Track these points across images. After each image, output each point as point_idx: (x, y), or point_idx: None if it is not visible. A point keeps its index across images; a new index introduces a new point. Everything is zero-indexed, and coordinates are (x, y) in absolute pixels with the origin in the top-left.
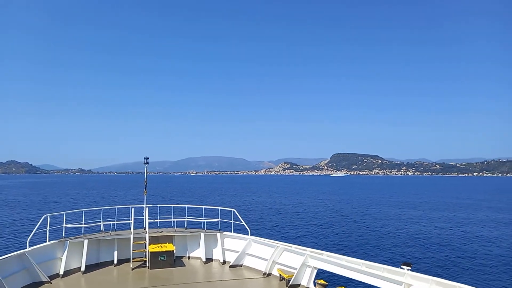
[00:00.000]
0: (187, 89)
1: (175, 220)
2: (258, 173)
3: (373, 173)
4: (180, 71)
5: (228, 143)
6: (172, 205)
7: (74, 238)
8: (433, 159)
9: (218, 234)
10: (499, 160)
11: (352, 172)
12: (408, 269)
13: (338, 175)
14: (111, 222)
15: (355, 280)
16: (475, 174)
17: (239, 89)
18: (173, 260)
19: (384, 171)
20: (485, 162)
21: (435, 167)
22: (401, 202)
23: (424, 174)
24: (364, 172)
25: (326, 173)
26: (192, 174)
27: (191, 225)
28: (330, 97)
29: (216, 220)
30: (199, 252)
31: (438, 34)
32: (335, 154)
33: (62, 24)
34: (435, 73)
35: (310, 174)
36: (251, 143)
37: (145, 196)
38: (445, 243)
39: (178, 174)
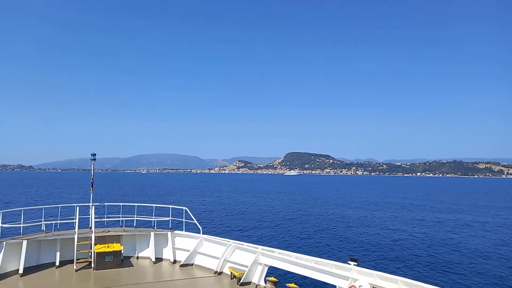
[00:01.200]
0: (138, 86)
1: (124, 219)
2: (212, 171)
3: (324, 172)
4: (130, 68)
5: (182, 140)
6: (121, 204)
7: (11, 238)
8: (380, 159)
9: (169, 233)
10: (440, 161)
11: (305, 171)
12: (354, 265)
13: (291, 174)
14: (53, 222)
15: (305, 276)
16: (418, 174)
17: (193, 86)
18: (121, 261)
19: (335, 170)
20: (427, 163)
21: (382, 167)
22: (350, 201)
23: (372, 173)
24: (316, 171)
25: (280, 172)
26: (143, 172)
27: (141, 224)
28: (283, 96)
29: (167, 218)
30: (149, 252)
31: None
32: (288, 153)
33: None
34: (382, 74)
35: (264, 172)
36: (205, 141)
37: (91, 194)
38: (389, 239)
39: (128, 171)
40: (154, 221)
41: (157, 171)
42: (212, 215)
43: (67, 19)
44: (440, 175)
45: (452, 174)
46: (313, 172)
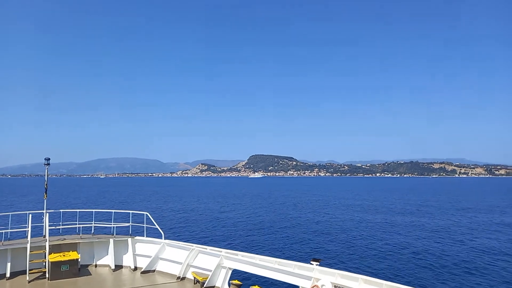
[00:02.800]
0: (95, 87)
1: (81, 226)
2: (174, 175)
3: (288, 174)
4: (84, 69)
5: (142, 144)
6: (77, 210)
7: None
8: (341, 161)
9: (129, 239)
10: (398, 162)
11: (269, 174)
12: (317, 265)
13: (256, 176)
14: (3, 231)
15: (268, 278)
16: (377, 174)
17: (152, 86)
18: (78, 270)
19: (299, 172)
20: (386, 164)
21: (343, 168)
22: (312, 202)
23: (334, 174)
24: (280, 173)
25: (244, 174)
26: (101, 177)
27: (99, 231)
28: (246, 98)
29: (127, 224)
30: (108, 259)
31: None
32: (252, 155)
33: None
34: (342, 76)
35: (228, 175)
36: (167, 144)
37: (45, 200)
38: (350, 239)
39: (85, 176)
40: (113, 227)
41: (116, 175)
42: (175, 220)
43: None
44: (398, 175)
45: (409, 174)
46: (277, 174)
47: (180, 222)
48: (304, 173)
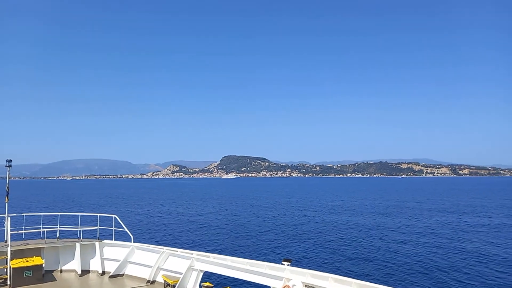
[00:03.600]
0: (61, 82)
1: (45, 230)
2: (145, 176)
3: (261, 175)
4: (58, 63)
5: (111, 144)
6: (41, 214)
7: None
8: (312, 161)
9: (97, 243)
10: (367, 162)
11: (242, 174)
12: (288, 265)
13: (229, 177)
14: None
15: (240, 280)
16: (348, 175)
17: (121, 85)
18: (42, 275)
19: (271, 173)
20: (356, 164)
21: (315, 169)
22: (284, 202)
23: (306, 175)
24: (252, 174)
25: (217, 175)
26: (68, 179)
27: (65, 235)
28: (218, 100)
29: (94, 228)
30: (74, 264)
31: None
32: (225, 156)
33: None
34: (309, 79)
35: (200, 177)
36: (137, 145)
37: (6, 204)
38: (320, 239)
39: (50, 178)
40: (80, 230)
41: (84, 177)
42: (145, 223)
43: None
44: (368, 175)
45: (379, 174)
46: (250, 175)
47: (150, 225)
48: (277, 173)
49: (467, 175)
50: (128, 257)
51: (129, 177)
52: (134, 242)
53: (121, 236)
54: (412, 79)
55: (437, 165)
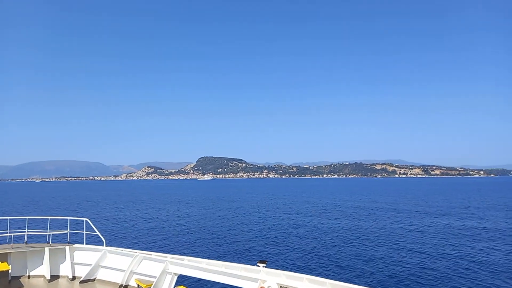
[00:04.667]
0: (28, 85)
1: (12, 234)
2: (118, 178)
3: (238, 176)
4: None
5: (82, 145)
6: (8, 218)
7: None
8: (288, 162)
9: (67, 247)
10: (343, 163)
11: (218, 176)
12: (263, 266)
13: (205, 179)
14: None
15: (215, 282)
16: (324, 175)
17: (95, 84)
18: (8, 281)
19: (248, 174)
20: (332, 165)
21: (292, 170)
22: (259, 204)
23: (283, 176)
24: (229, 175)
25: (193, 177)
26: (37, 181)
27: (34, 239)
28: (192, 99)
29: (65, 231)
30: (43, 269)
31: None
32: (201, 157)
33: None
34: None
35: (176, 178)
36: (109, 146)
37: None
38: (295, 240)
39: (18, 181)
40: (49, 235)
41: (54, 179)
42: (118, 226)
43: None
44: (344, 176)
45: (354, 175)
46: (227, 176)
47: (123, 228)
48: (254, 174)
49: (439, 176)
50: (100, 261)
51: (102, 179)
52: (106, 246)
53: (93, 240)
54: (383, 81)
55: (410, 166)
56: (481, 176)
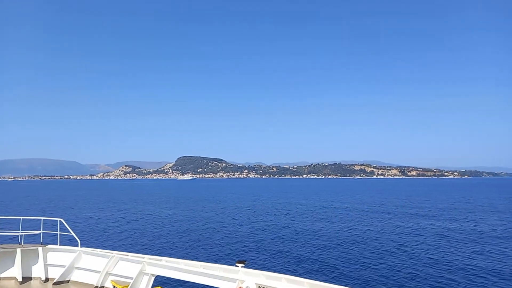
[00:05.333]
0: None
1: None
2: (95, 177)
3: (218, 176)
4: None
5: (57, 143)
6: None
7: None
8: (268, 162)
9: (40, 248)
10: (322, 163)
11: (198, 175)
12: (242, 266)
13: (185, 178)
14: None
15: (193, 283)
16: (304, 176)
17: (68, 83)
18: None
19: (228, 174)
20: (311, 165)
21: (272, 170)
22: (239, 203)
23: (263, 176)
24: (209, 175)
25: (172, 176)
26: (9, 180)
27: (4, 240)
28: (172, 98)
29: (38, 232)
30: (14, 271)
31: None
32: (180, 157)
33: None
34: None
35: (155, 177)
36: (85, 144)
37: None
38: (275, 240)
39: None
40: (21, 235)
41: (27, 178)
42: (93, 226)
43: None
44: (323, 176)
45: (333, 176)
46: (206, 176)
47: (99, 228)
48: (234, 174)
49: (415, 177)
50: (74, 263)
51: (78, 178)
52: (81, 246)
53: (67, 241)
54: (358, 82)
55: (387, 167)
56: (456, 177)
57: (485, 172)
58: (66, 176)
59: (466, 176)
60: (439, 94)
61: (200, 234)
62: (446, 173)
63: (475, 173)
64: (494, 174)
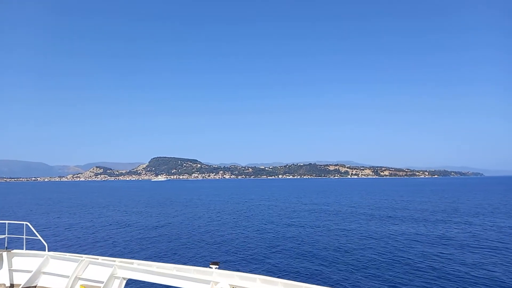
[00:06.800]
0: None
1: None
2: (64, 179)
3: (192, 177)
4: None
5: (23, 144)
6: None
7: None
8: (243, 163)
9: (5, 253)
10: (297, 164)
11: (172, 176)
12: (216, 268)
13: (159, 179)
14: None
15: (166, 285)
16: (280, 176)
17: (34, 82)
18: None
19: (203, 175)
20: (287, 166)
21: (248, 171)
22: (213, 204)
23: (239, 177)
24: (184, 176)
25: (146, 177)
26: None
27: None
28: (144, 97)
29: (2, 236)
30: None
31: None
32: (154, 158)
33: None
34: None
35: (127, 179)
36: (54, 145)
37: None
38: (249, 240)
39: None
40: None
41: None
42: (62, 229)
43: None
44: (299, 176)
45: (308, 176)
46: (181, 177)
47: (68, 232)
48: (209, 175)
49: (388, 176)
50: (41, 268)
51: (46, 180)
52: (48, 251)
53: (34, 245)
54: (330, 83)
55: (361, 167)
56: (426, 176)
57: (453, 171)
58: (33, 178)
59: (436, 176)
60: (409, 95)
61: (173, 236)
62: (417, 173)
63: (444, 173)
64: (461, 174)
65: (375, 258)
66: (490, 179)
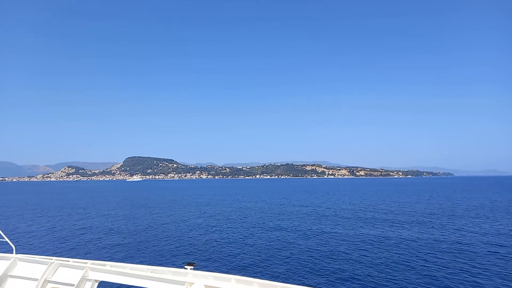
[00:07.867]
0: None
1: None
2: (34, 179)
3: (168, 177)
4: None
5: None
6: None
7: None
8: (220, 163)
9: None
10: (275, 164)
11: (148, 176)
12: (191, 269)
13: (134, 179)
14: None
15: (140, 287)
16: (257, 176)
17: (2, 81)
18: None
19: (180, 175)
20: (264, 166)
21: (225, 171)
22: (188, 205)
23: (216, 177)
24: (159, 176)
25: (120, 177)
26: None
27: None
28: (116, 96)
29: None
30: None
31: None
32: (128, 157)
33: None
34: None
35: (101, 179)
36: (23, 144)
37: None
38: (223, 241)
39: None
40: None
41: None
42: (30, 231)
43: None
44: (276, 176)
45: (286, 176)
46: (157, 177)
47: (37, 233)
48: (186, 175)
49: (363, 176)
50: (8, 271)
51: (14, 180)
52: (16, 253)
53: (1, 247)
54: (305, 84)
55: (337, 167)
56: (400, 176)
57: (425, 172)
58: (1, 178)
59: (409, 176)
60: (379, 95)
61: (146, 237)
62: (391, 173)
63: (417, 173)
64: (433, 174)
65: (357, 258)
66: (460, 179)
